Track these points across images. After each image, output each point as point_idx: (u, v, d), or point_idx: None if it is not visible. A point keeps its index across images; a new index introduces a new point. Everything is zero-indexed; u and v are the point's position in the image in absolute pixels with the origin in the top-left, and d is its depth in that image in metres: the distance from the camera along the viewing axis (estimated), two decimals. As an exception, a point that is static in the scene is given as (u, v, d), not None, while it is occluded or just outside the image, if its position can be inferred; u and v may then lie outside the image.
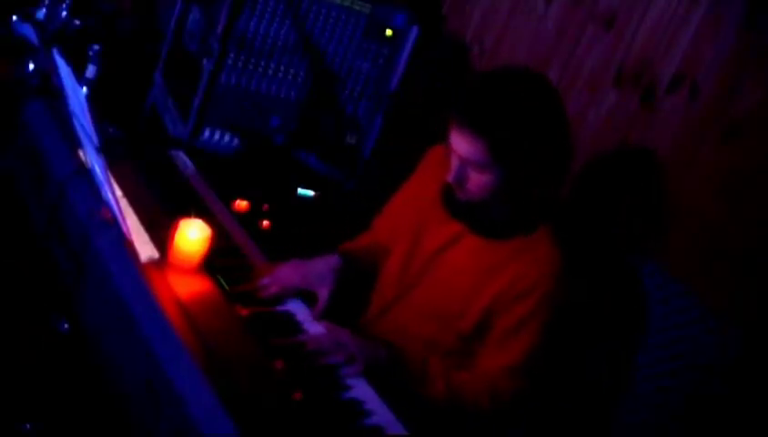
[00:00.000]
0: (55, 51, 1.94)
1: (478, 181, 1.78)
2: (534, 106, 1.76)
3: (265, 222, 2.33)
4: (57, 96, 2.21)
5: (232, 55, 2.54)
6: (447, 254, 1.92)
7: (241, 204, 2.33)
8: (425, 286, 1.94)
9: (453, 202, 1.89)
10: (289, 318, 1.86)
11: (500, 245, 1.87)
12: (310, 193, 2.60)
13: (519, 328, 1.81)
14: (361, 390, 1.70)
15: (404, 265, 1.98)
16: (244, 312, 1.79)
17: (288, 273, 1.94)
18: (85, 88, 2.50)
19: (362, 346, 1.78)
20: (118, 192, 1.86)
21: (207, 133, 2.59)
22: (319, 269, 1.95)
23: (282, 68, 2.61)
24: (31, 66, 2.55)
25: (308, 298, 1.93)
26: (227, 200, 2.28)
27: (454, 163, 1.80)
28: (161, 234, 1.86)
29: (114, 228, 1.84)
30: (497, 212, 1.87)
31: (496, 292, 1.83)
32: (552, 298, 1.81)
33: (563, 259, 1.84)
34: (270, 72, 2.61)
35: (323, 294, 1.91)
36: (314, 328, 1.84)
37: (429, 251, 1.94)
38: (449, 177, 1.81)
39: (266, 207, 2.38)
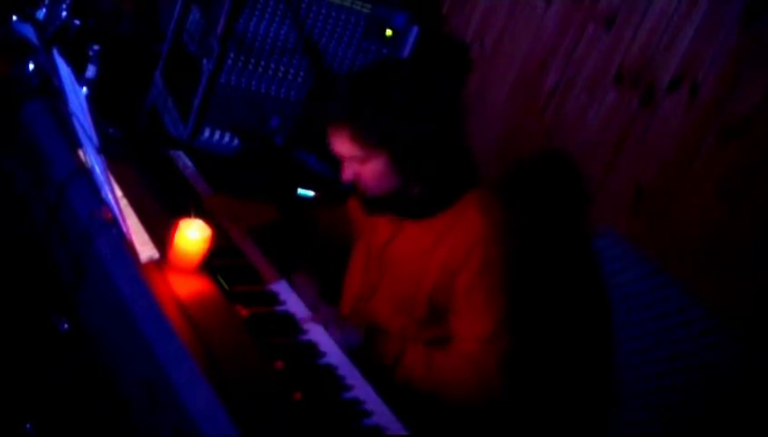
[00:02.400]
0: (55, 51, 1.94)
1: (367, 173, 1.82)
2: (386, 85, 1.78)
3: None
4: (57, 96, 2.22)
5: (232, 55, 2.54)
6: (392, 247, 1.96)
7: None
8: (384, 282, 1.97)
9: (367, 200, 1.91)
10: (289, 318, 1.86)
11: (430, 224, 1.88)
12: (310, 193, 2.60)
13: (470, 298, 1.81)
14: (361, 390, 1.70)
15: (365, 266, 2.03)
16: (244, 312, 1.79)
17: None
18: (85, 88, 2.50)
19: (340, 325, 1.83)
20: (118, 192, 1.86)
21: (206, 133, 2.59)
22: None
23: (282, 68, 2.61)
24: (31, 66, 2.55)
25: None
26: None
27: (343, 166, 1.85)
28: (161, 234, 1.86)
29: (114, 228, 1.84)
30: (410, 194, 1.87)
31: (437, 271, 1.85)
32: (493, 259, 1.80)
33: (496, 218, 1.84)
34: (270, 72, 2.61)
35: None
36: (313, 328, 1.84)
37: (379, 248, 1.99)
38: (344, 178, 1.86)
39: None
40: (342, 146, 1.80)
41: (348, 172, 1.84)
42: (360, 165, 1.81)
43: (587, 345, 2.13)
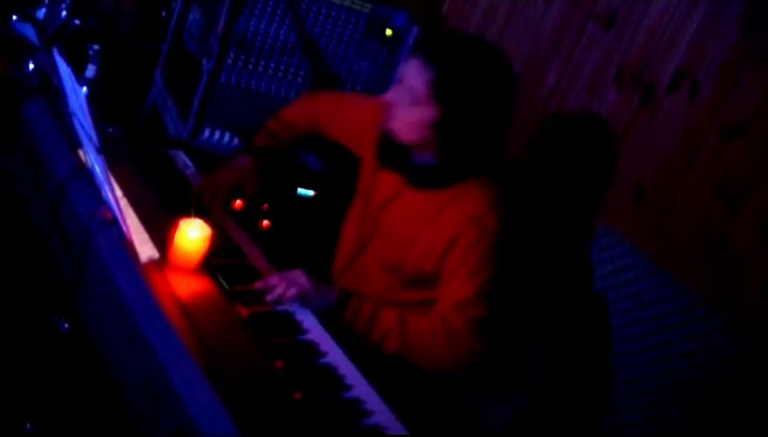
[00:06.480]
0: (55, 51, 1.94)
1: (408, 113, 1.87)
2: (484, 62, 1.86)
3: (265, 222, 2.32)
4: (57, 96, 2.21)
5: (232, 54, 2.54)
6: (390, 208, 2.02)
7: (241, 204, 2.33)
8: (376, 240, 2.05)
9: (384, 151, 1.99)
10: (289, 317, 1.86)
11: (432, 195, 1.95)
12: (310, 193, 2.60)
13: (460, 267, 1.88)
14: (361, 389, 1.70)
15: (360, 222, 2.10)
16: (244, 312, 1.79)
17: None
18: (85, 88, 2.51)
19: (314, 286, 1.87)
20: (118, 192, 1.86)
21: (206, 133, 2.59)
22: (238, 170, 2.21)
23: (282, 68, 2.61)
24: (31, 66, 2.55)
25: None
26: (227, 200, 2.28)
27: (394, 88, 1.90)
28: (161, 234, 1.86)
29: (114, 228, 1.84)
30: (424, 160, 1.94)
31: (431, 241, 1.92)
32: (486, 232, 1.87)
33: (493, 198, 1.92)
34: (270, 72, 2.61)
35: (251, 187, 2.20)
36: (314, 327, 1.84)
37: (377, 207, 2.05)
38: (386, 96, 1.90)
39: (265, 207, 2.38)
40: (415, 77, 1.84)
41: (394, 94, 1.89)
42: (408, 101, 1.86)
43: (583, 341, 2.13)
